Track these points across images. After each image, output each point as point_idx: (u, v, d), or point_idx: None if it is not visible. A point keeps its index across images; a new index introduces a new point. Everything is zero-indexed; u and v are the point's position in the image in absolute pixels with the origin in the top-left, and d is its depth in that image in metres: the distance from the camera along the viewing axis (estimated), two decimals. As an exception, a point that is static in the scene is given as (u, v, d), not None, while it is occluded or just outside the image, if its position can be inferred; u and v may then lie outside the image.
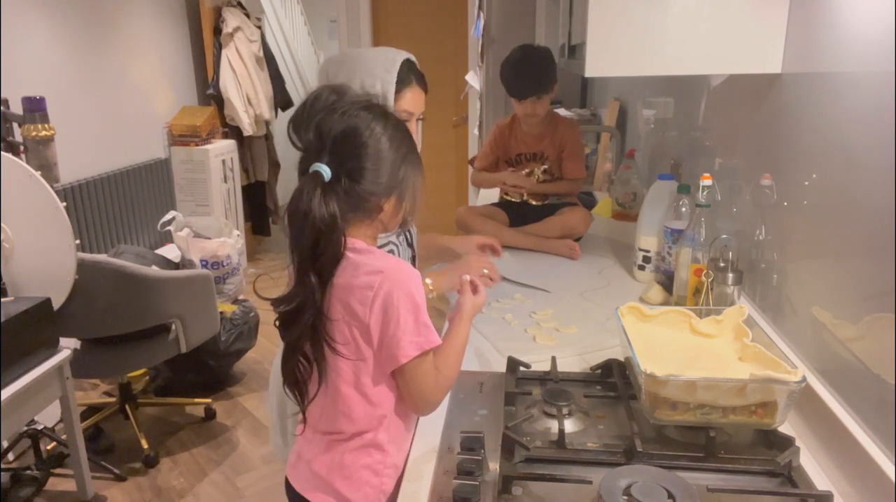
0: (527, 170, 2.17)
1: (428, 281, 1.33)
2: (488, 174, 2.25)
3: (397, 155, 0.99)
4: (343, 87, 1.00)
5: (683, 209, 1.58)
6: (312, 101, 0.98)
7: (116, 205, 3.42)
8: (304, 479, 1.05)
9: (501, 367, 1.24)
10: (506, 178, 2.15)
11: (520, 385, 1.19)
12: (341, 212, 0.95)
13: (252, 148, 4.63)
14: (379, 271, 0.96)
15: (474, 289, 1.15)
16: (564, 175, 2.16)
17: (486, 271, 1.36)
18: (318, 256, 0.94)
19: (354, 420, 1.00)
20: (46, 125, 2.43)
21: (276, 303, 0.97)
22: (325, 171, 0.94)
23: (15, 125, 2.46)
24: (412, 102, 1.33)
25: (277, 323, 1.00)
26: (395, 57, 1.31)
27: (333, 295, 0.97)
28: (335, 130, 0.95)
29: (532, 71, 2.03)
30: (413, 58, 1.36)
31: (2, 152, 2.04)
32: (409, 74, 1.32)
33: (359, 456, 1.01)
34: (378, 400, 1.00)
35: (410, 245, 1.44)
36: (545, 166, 2.17)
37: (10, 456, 2.48)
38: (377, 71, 1.28)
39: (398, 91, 1.29)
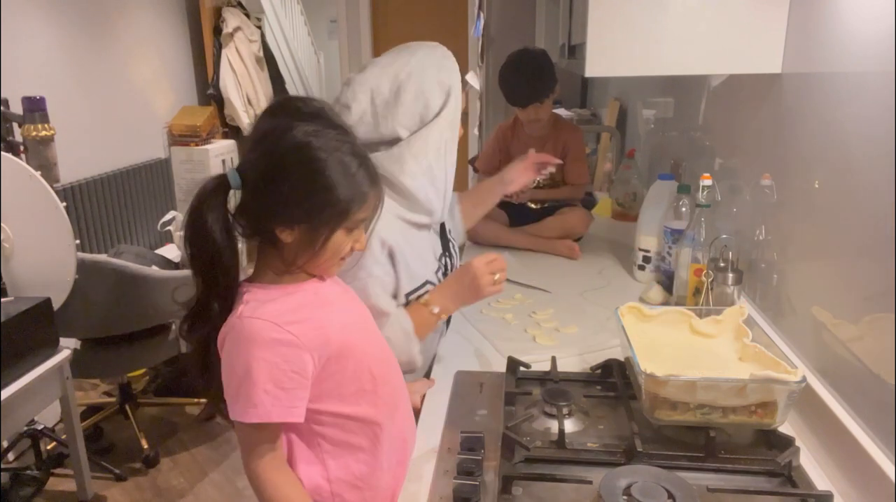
0: None
1: (435, 309, 1.22)
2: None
3: (312, 178, 0.86)
4: (323, 109, 0.91)
5: (683, 209, 1.58)
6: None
7: (116, 205, 3.42)
8: None
9: (501, 367, 1.24)
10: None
11: (520, 385, 1.19)
12: (240, 229, 0.89)
13: (252, 148, 4.63)
14: (231, 324, 0.88)
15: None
16: (567, 179, 2.16)
17: (496, 275, 1.21)
18: (203, 267, 0.89)
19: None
20: (46, 125, 2.43)
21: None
22: (233, 178, 0.87)
23: (15, 125, 2.46)
24: (464, 101, 1.29)
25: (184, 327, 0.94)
26: (448, 53, 1.26)
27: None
28: (258, 127, 0.90)
29: (530, 77, 2.02)
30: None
31: (2, 152, 2.04)
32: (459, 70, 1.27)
33: None
34: (304, 478, 0.96)
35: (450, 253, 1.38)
36: (546, 171, 2.17)
37: (10, 456, 2.48)
38: (453, 69, 1.24)
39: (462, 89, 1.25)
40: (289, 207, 0.87)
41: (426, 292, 1.24)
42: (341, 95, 1.21)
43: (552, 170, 2.16)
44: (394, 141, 1.20)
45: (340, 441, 0.98)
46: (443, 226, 1.36)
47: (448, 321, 1.45)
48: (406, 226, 1.23)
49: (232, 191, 0.89)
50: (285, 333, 0.88)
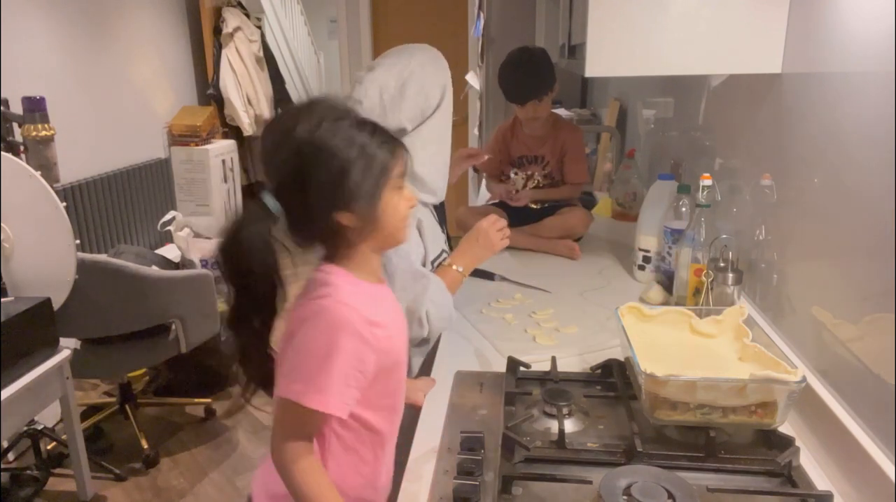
0: (528, 173, 2.17)
1: (459, 268, 1.40)
2: (493, 185, 2.27)
3: (340, 157, 0.86)
4: (314, 99, 0.91)
5: (683, 209, 1.58)
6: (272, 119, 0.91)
7: (116, 205, 3.42)
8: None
9: (501, 367, 1.24)
10: (496, 191, 2.21)
11: (520, 385, 1.19)
12: (295, 240, 0.88)
13: (252, 148, 4.63)
14: (323, 306, 0.87)
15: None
16: (566, 178, 2.16)
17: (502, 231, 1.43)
18: (251, 294, 0.88)
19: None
20: (46, 125, 2.43)
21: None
22: (272, 203, 0.87)
23: (15, 125, 2.46)
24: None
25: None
26: (437, 51, 1.43)
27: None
28: (264, 148, 0.88)
29: (529, 74, 2.02)
30: None
31: (2, 152, 2.04)
32: None
33: None
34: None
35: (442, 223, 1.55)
36: (546, 171, 2.17)
37: (10, 456, 2.48)
38: (443, 65, 1.41)
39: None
40: (335, 194, 0.86)
41: (444, 258, 1.45)
42: (353, 92, 1.37)
43: (547, 171, 2.18)
44: (398, 131, 1.34)
45: (350, 447, 0.97)
46: (437, 207, 1.54)
47: None
48: (420, 205, 1.39)
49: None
50: (369, 332, 0.88)
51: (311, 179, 0.86)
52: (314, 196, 0.86)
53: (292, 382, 0.87)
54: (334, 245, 0.92)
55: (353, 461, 0.97)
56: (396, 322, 0.99)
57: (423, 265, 1.39)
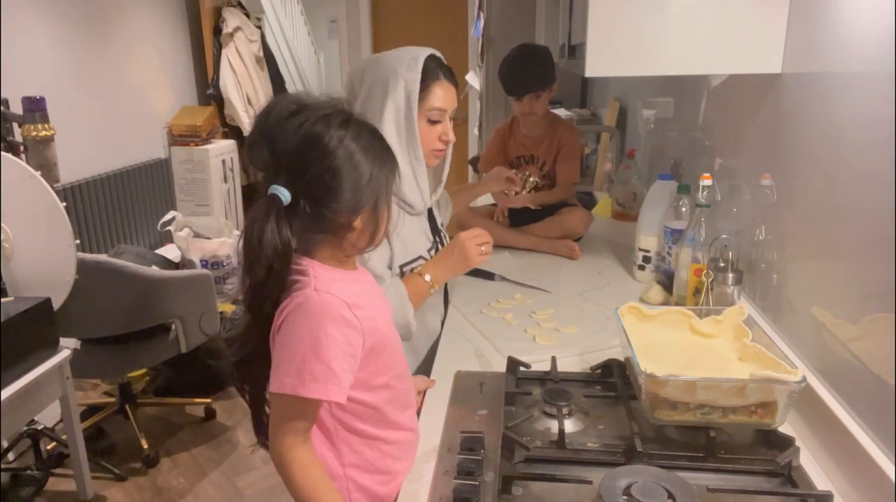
0: (526, 174, 2.17)
1: (427, 277, 1.35)
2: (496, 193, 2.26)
3: (366, 164, 0.89)
4: (303, 95, 0.91)
5: (683, 209, 1.58)
6: (266, 112, 0.89)
7: (116, 205, 3.42)
8: None
9: (501, 367, 1.24)
10: (498, 199, 2.19)
11: (520, 385, 1.19)
12: (305, 237, 0.89)
13: (252, 148, 4.63)
14: (306, 296, 0.88)
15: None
16: (558, 176, 2.15)
17: (483, 247, 1.36)
18: (270, 286, 0.88)
19: None
20: (46, 125, 2.43)
21: (230, 342, 0.93)
22: (283, 194, 0.86)
23: (15, 125, 2.46)
24: (442, 98, 1.33)
25: (235, 368, 0.94)
26: (417, 54, 1.31)
27: None
28: (290, 144, 0.86)
29: (529, 68, 2.03)
30: (438, 53, 1.36)
31: (2, 152, 2.04)
32: (435, 69, 1.32)
33: None
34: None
35: (438, 233, 1.50)
36: (543, 171, 2.16)
37: (10, 456, 2.48)
38: (400, 70, 1.28)
39: (425, 87, 1.30)
40: (360, 197, 0.90)
41: (419, 265, 1.38)
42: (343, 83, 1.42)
43: (544, 172, 2.17)
44: None
45: (355, 429, 0.98)
46: (432, 216, 1.50)
47: (446, 301, 1.60)
48: (397, 209, 1.31)
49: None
50: (352, 315, 0.89)
51: (343, 182, 0.87)
52: (343, 198, 0.88)
53: (285, 376, 0.87)
54: (328, 241, 0.93)
55: (362, 440, 0.99)
56: (375, 302, 0.99)
57: (390, 267, 1.34)
